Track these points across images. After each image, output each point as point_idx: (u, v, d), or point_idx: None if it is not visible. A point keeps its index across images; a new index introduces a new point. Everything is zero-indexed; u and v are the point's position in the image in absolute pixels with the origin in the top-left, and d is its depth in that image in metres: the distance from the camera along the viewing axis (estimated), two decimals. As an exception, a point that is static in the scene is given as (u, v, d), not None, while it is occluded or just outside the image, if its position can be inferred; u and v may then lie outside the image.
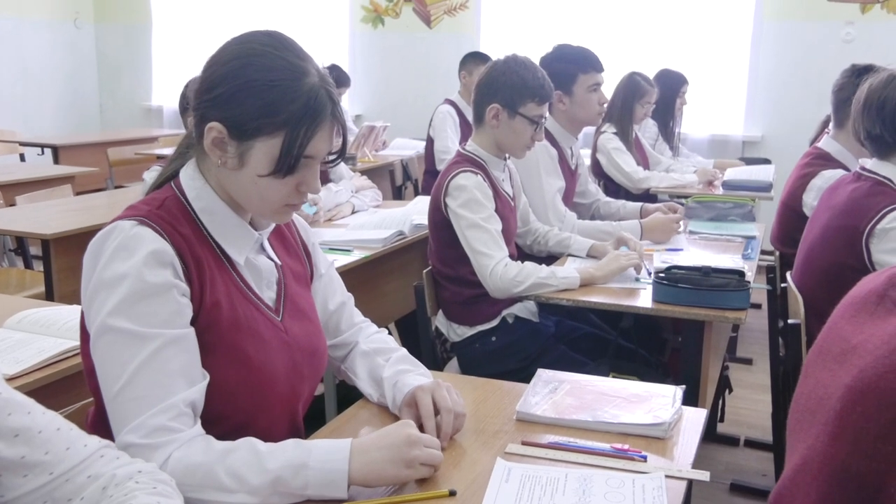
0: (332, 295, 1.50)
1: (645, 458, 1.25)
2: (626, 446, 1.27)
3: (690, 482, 1.20)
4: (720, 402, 3.03)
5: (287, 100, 1.16)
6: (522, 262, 2.31)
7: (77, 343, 1.33)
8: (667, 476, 1.18)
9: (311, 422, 1.38)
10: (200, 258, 1.21)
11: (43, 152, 5.88)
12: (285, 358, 1.30)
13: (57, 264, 2.90)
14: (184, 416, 1.15)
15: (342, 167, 3.54)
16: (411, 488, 1.17)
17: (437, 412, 1.33)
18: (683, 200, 3.42)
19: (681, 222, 3.02)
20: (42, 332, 1.74)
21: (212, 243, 1.23)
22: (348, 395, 1.48)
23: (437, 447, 1.21)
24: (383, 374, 1.45)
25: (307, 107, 1.16)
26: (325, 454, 1.15)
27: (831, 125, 2.82)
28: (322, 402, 2.60)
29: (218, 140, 1.18)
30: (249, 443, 1.16)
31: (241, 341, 1.23)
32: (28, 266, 3.94)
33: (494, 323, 2.41)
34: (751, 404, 3.43)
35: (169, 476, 1.00)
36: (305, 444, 1.18)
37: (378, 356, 1.50)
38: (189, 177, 1.24)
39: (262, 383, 1.25)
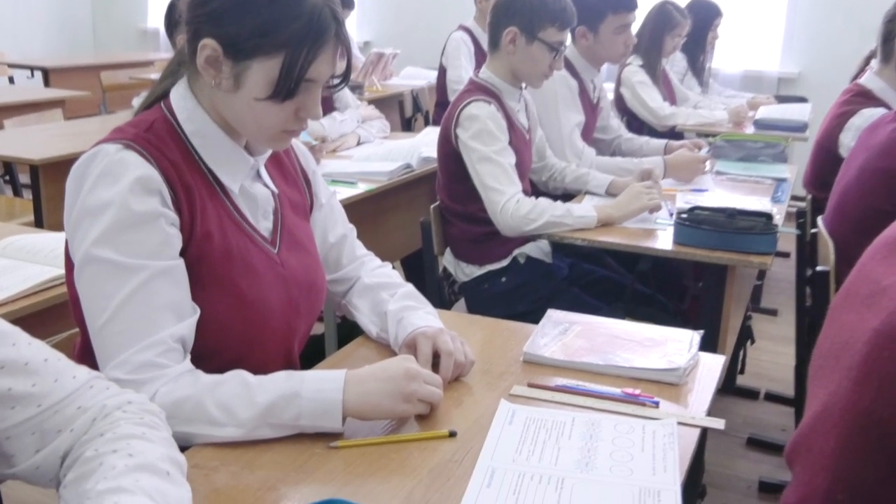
0: (332, 226, 1.49)
1: (657, 404, 1.25)
2: (637, 391, 1.27)
3: (704, 431, 1.20)
4: (741, 353, 3.02)
5: (288, 17, 1.13)
6: (536, 199, 2.29)
7: (62, 271, 1.34)
8: (679, 423, 1.17)
9: (308, 362, 1.39)
10: (191, 185, 1.19)
11: (33, 75, 5.83)
12: (281, 292, 1.29)
13: (46, 191, 2.92)
14: (172, 352, 1.15)
15: (348, 95, 3.51)
16: (411, 428, 1.18)
17: (437, 357, 1.34)
18: (711, 139, 3.37)
19: (707, 161, 2.98)
20: (28, 259, 1.75)
21: (203, 169, 1.22)
22: (350, 335, 1.50)
23: (438, 384, 1.21)
24: (387, 308, 1.45)
25: (309, 26, 1.13)
26: (319, 384, 1.15)
27: (875, 60, 2.78)
28: (321, 342, 2.61)
29: (212, 59, 1.15)
30: (239, 375, 1.17)
31: (233, 274, 1.22)
32: (17, 194, 3.94)
33: (505, 263, 2.41)
34: (773, 356, 3.43)
35: (159, 408, 1.01)
36: (298, 374, 1.18)
37: (382, 290, 1.49)
38: (180, 97, 1.22)
39: (255, 318, 1.25)
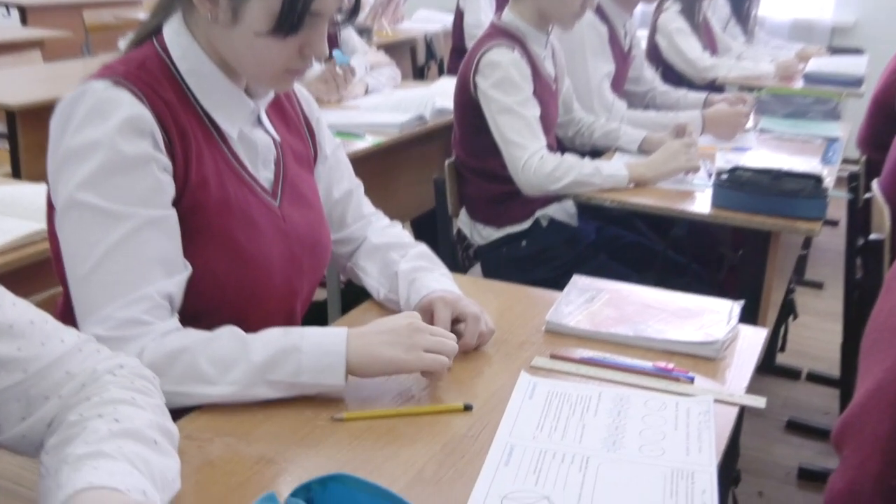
0: (337, 181, 1.49)
1: (692, 380, 1.25)
2: (670, 365, 1.27)
3: (742, 410, 1.20)
4: (782, 329, 3.00)
5: None
6: (562, 155, 2.28)
7: (44, 226, 1.33)
8: (716, 401, 1.17)
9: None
10: (186, 128, 1.19)
11: (9, 12, 5.79)
12: (282, 248, 1.30)
13: (24, 139, 2.90)
14: (159, 309, 1.16)
15: (355, 40, 3.48)
16: (423, 401, 1.17)
17: (459, 321, 1.33)
18: (755, 93, 3.33)
19: (750, 116, 2.95)
20: (5, 212, 1.74)
21: (199, 112, 1.22)
22: (355, 301, 1.51)
23: (449, 338, 1.21)
24: (398, 269, 1.45)
25: None
26: (320, 338, 1.17)
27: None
28: (323, 309, 2.61)
29: (207, -12, 1.21)
30: (233, 330, 1.18)
31: (231, 227, 1.23)
32: (-8, 143, 4.18)
33: (526, 225, 2.40)
34: (817, 333, 3.43)
35: (153, 374, 1.01)
36: (297, 329, 1.20)
37: (392, 251, 1.49)
38: (174, 32, 1.21)
39: (254, 275, 1.26)
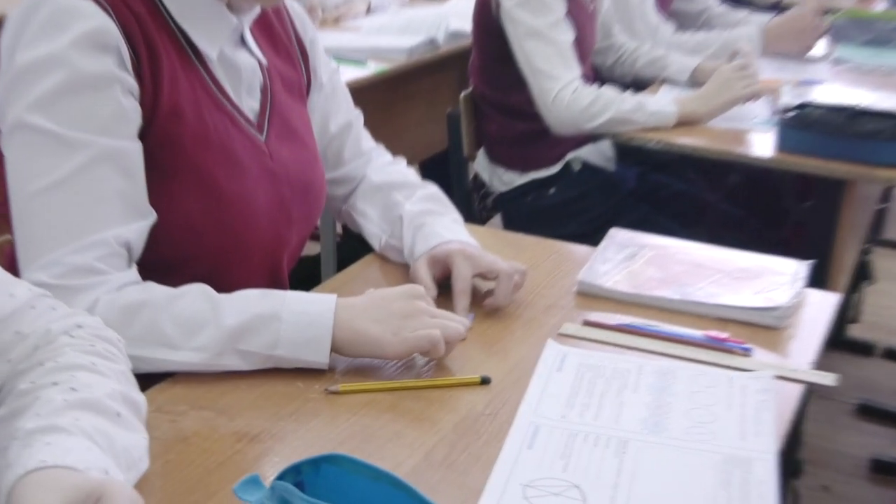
0: (334, 112, 1.49)
1: (749, 352, 1.24)
2: (724, 335, 1.26)
3: (808, 390, 1.19)
4: (855, 296, 3.01)
5: None
6: (599, 87, 2.27)
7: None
8: (777, 377, 1.17)
9: (300, 287, 1.39)
10: (157, 46, 1.18)
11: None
12: (268, 190, 1.30)
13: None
14: (115, 258, 1.16)
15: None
16: (433, 374, 1.17)
17: (484, 277, 1.36)
18: (830, 16, 3.23)
19: (822, 32, 2.94)
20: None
21: (173, 28, 1.21)
22: (352, 256, 1.52)
23: (454, 320, 1.20)
24: (402, 211, 1.47)
25: None
26: (304, 305, 1.17)
27: None
28: (315, 265, 2.63)
29: None
30: (202, 288, 1.18)
31: (209, 163, 1.23)
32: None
33: (555, 170, 2.40)
34: (896, 302, 3.61)
35: (116, 335, 1.01)
36: (277, 293, 1.20)
37: (395, 191, 1.51)
38: None
39: (235, 221, 1.26)
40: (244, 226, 1.27)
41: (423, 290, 1.24)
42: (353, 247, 1.54)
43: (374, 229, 1.50)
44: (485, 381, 1.16)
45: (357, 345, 1.17)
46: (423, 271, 1.36)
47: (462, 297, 1.33)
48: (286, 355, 1.15)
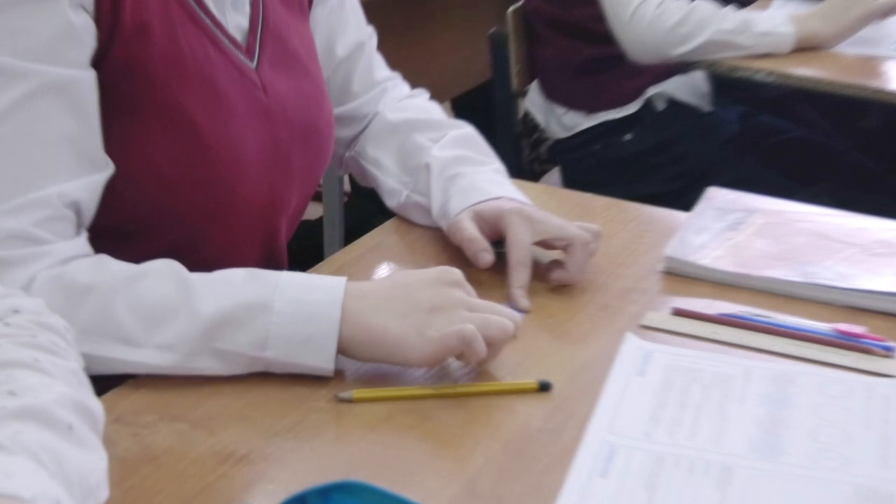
0: (341, 31, 1.48)
1: (892, 352, 1.21)
2: (860, 329, 1.23)
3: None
4: None
5: None
6: (691, 1, 2.26)
7: None
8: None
9: (299, 259, 1.35)
10: None
11: None
12: (261, 133, 1.28)
13: None
14: (60, 222, 1.13)
15: None
16: (474, 378, 1.14)
17: (547, 246, 1.35)
18: None
19: None
20: None
21: None
22: (365, 219, 1.52)
23: (503, 314, 1.17)
24: (429, 158, 1.44)
25: None
26: (304, 292, 1.13)
27: None
28: (317, 231, 2.59)
29: None
30: (171, 266, 1.15)
31: (183, 97, 1.20)
32: None
33: (632, 109, 2.38)
34: None
35: (64, 323, 0.99)
36: (268, 274, 1.16)
37: (417, 132, 1.49)
38: None
39: (218, 174, 1.23)
40: (229, 181, 1.24)
41: (459, 275, 1.20)
42: (364, 208, 1.52)
43: (390, 182, 1.48)
44: (544, 388, 1.12)
45: (371, 346, 1.14)
46: (468, 224, 1.33)
47: (520, 270, 1.29)
48: (278, 358, 1.12)
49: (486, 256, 1.29)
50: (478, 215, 1.34)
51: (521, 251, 1.30)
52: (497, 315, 1.16)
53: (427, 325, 1.13)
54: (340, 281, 1.15)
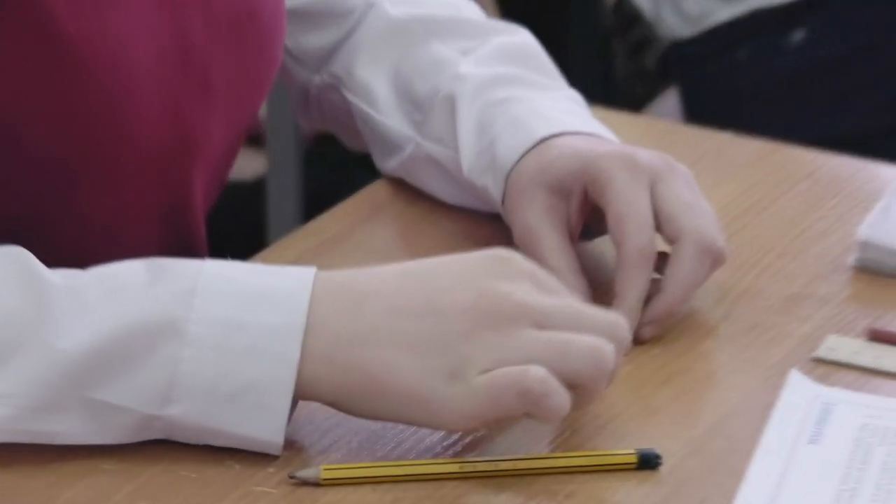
0: None
1: None
2: None
3: None
4: None
5: None
6: None
7: None
8: None
9: (226, 242, 1.32)
10: None
11: None
12: (160, 28, 1.23)
13: None
14: None
15: None
16: (529, 441, 1.07)
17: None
18: None
19: None
20: None
21: None
22: (336, 183, 1.43)
23: (600, 330, 1.08)
24: (453, 82, 1.34)
25: None
26: (238, 303, 1.05)
27: None
28: (259, 198, 2.64)
29: None
30: (16, 260, 1.07)
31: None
32: None
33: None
34: None
35: None
36: (181, 267, 1.08)
37: (437, 37, 1.40)
38: None
39: (92, 93, 1.19)
40: (108, 107, 1.19)
41: (521, 262, 1.11)
42: (336, 161, 1.49)
43: (387, 124, 1.41)
44: (647, 463, 1.02)
45: (365, 398, 1.07)
46: (543, 218, 1.28)
47: (638, 275, 1.22)
48: (189, 419, 1.04)
49: (571, 282, 1.19)
50: (557, 182, 1.28)
51: (627, 213, 1.23)
52: (588, 331, 1.08)
53: (466, 364, 1.07)
54: (305, 277, 1.06)
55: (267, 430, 1.06)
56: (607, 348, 1.05)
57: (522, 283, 1.10)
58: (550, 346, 1.06)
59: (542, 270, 1.09)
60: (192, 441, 1.05)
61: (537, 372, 1.03)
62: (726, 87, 2.36)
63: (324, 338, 1.08)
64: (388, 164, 1.44)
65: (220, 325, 1.07)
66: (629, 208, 1.23)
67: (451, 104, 1.36)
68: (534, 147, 1.29)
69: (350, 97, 1.45)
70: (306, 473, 1.05)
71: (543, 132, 1.28)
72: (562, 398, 1.03)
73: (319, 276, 1.07)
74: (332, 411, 1.12)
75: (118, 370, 1.06)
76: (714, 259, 1.22)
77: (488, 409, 1.06)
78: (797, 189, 1.47)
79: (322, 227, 1.40)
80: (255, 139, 1.91)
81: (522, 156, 1.29)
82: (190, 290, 1.07)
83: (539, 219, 1.27)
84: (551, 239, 1.27)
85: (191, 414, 1.06)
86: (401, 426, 1.11)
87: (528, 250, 1.22)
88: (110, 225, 1.20)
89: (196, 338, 1.07)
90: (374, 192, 1.45)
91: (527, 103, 1.33)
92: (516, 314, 1.08)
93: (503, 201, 1.31)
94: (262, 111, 1.70)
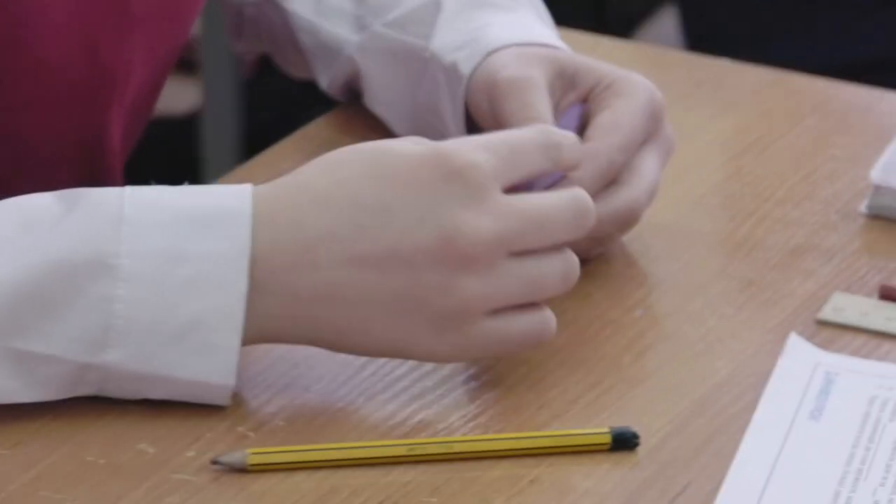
0: None
1: None
2: None
3: None
4: None
5: None
6: None
7: None
8: None
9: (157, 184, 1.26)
10: None
11: None
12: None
13: None
14: None
15: None
16: (489, 417, 1.02)
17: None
18: None
19: None
20: None
21: None
22: (280, 119, 1.51)
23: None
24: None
25: None
26: (174, 230, 1.03)
27: None
28: (192, 137, 2.58)
29: None
30: None
31: None
32: None
33: None
34: None
35: None
36: (101, 198, 1.05)
37: None
38: None
39: None
40: (13, 29, 1.20)
41: (476, 162, 1.09)
42: (278, 92, 1.44)
43: (334, 32, 1.40)
44: (623, 442, 0.98)
45: (335, 347, 1.07)
46: (538, 78, 1.26)
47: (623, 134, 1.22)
48: (127, 365, 1.00)
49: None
50: (572, 69, 1.29)
51: (630, 128, 1.24)
52: (557, 235, 1.12)
53: (449, 316, 1.10)
54: (242, 194, 1.05)
55: (216, 371, 1.06)
56: (575, 264, 1.13)
57: (485, 201, 1.12)
58: (527, 282, 1.14)
59: (497, 165, 1.13)
60: (130, 395, 1.06)
61: (550, 322, 1.13)
62: (729, 4, 2.37)
63: (277, 267, 1.11)
64: (330, 77, 1.48)
65: (155, 257, 1.08)
66: (624, 128, 1.30)
67: (433, 25, 1.43)
68: (534, 44, 1.33)
69: (289, 6, 1.49)
70: (231, 458, 1.01)
71: (493, 44, 1.36)
72: (553, 324, 1.12)
73: (258, 191, 1.09)
74: (259, 379, 1.14)
75: (43, 315, 1.06)
76: (654, 111, 1.27)
77: (485, 353, 1.14)
78: (804, 124, 1.44)
79: (263, 165, 1.41)
80: (188, 65, 1.90)
81: (520, 44, 1.34)
82: (116, 219, 1.07)
83: (540, 79, 1.31)
84: (543, 94, 1.31)
85: (130, 359, 1.06)
86: (341, 395, 1.14)
87: (510, 96, 1.29)
88: (14, 169, 1.24)
89: (130, 273, 1.07)
90: (320, 127, 1.47)
91: (475, 22, 1.44)
92: (487, 252, 1.11)
93: (472, 74, 1.34)
94: (196, 33, 1.70)
